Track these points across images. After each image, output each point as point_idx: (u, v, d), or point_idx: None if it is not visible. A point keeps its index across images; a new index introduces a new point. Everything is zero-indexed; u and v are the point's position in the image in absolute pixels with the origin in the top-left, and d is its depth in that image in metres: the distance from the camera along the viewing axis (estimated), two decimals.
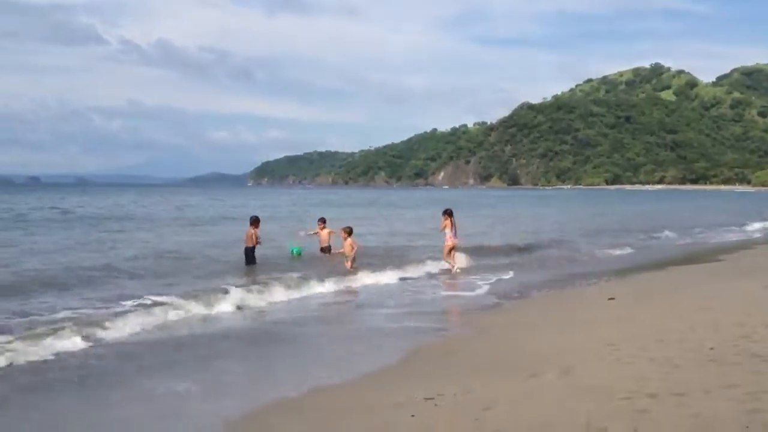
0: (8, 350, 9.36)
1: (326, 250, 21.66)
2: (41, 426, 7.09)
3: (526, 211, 65.64)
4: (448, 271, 19.74)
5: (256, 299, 14.54)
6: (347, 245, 19.50)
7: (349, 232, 19.78)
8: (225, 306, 13.71)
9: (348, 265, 19.20)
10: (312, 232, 22.77)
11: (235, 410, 7.25)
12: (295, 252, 21.39)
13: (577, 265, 22.29)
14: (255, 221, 19.76)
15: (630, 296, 14.31)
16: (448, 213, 20.43)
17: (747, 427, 5.50)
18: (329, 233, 21.94)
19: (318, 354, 10.23)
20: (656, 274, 19.00)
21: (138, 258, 20.93)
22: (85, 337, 10.39)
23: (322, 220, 22.62)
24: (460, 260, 20.57)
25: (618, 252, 26.01)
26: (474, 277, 18.88)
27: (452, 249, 20.19)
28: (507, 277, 18.95)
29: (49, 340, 9.96)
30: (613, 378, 7.18)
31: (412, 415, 6.50)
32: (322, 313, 13.95)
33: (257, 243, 19.56)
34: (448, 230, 20.17)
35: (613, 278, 18.22)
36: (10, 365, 8.95)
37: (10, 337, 10.06)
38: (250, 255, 19.40)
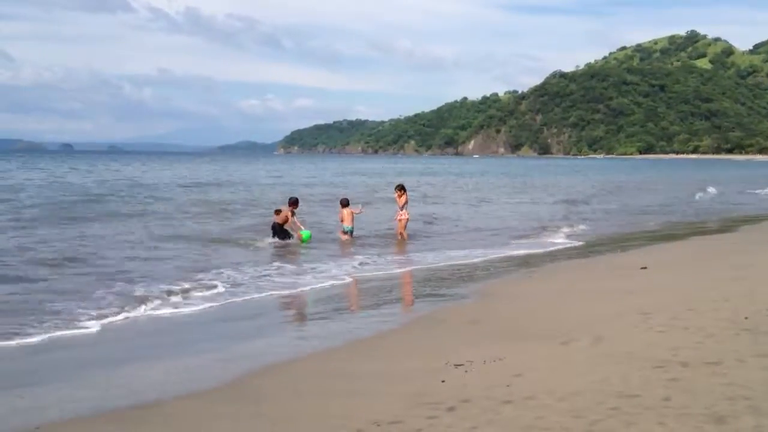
0: None
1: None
2: None
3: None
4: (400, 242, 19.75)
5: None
6: (347, 215, 19.86)
7: (345, 203, 20.21)
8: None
9: (343, 237, 19.62)
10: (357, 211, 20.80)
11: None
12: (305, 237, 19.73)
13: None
14: (294, 203, 19.81)
15: (662, 265, 14.16)
16: (401, 188, 20.45)
17: None
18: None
19: (348, 324, 10.30)
20: (687, 243, 18.81)
21: None
22: None
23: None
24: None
25: None
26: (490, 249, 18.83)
27: (404, 222, 20.33)
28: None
29: None
30: (645, 346, 7.13)
31: (443, 381, 6.52)
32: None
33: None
34: (402, 205, 20.22)
35: (645, 247, 18.07)
36: None
37: None
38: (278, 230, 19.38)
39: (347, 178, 68.55)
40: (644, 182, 65.48)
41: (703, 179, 65.56)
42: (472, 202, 37.09)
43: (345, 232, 19.89)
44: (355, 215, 20.29)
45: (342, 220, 20.14)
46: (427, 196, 40.79)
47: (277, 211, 19.59)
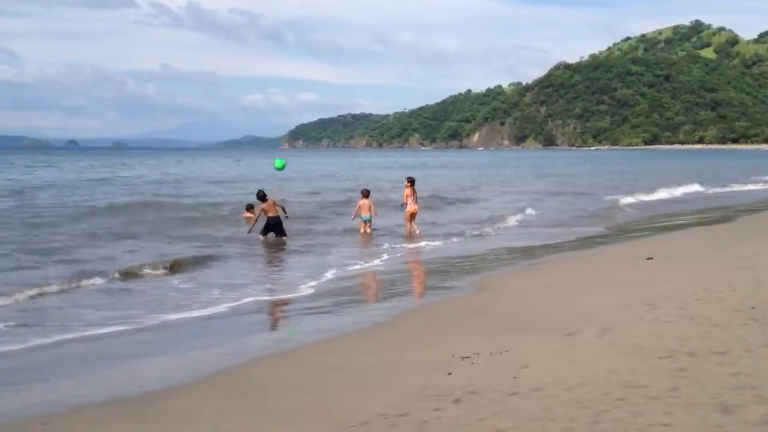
0: None
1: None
2: None
3: None
4: (408, 235, 19.80)
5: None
6: (365, 207, 20.12)
7: (366, 194, 20.53)
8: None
9: (362, 228, 19.98)
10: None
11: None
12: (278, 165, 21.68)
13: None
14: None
15: (667, 255, 14.11)
16: (410, 181, 20.57)
17: None
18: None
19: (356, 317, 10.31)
20: (690, 233, 18.76)
21: None
22: None
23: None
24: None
25: None
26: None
27: (413, 215, 20.35)
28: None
29: None
30: (652, 337, 7.11)
31: (449, 373, 6.51)
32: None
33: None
34: (410, 198, 20.28)
35: (648, 237, 18.03)
36: None
37: None
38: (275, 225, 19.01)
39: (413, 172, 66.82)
40: (700, 170, 66.09)
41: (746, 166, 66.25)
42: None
43: (364, 222, 20.11)
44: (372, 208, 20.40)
45: (359, 210, 20.20)
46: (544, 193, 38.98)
47: (249, 209, 20.43)
